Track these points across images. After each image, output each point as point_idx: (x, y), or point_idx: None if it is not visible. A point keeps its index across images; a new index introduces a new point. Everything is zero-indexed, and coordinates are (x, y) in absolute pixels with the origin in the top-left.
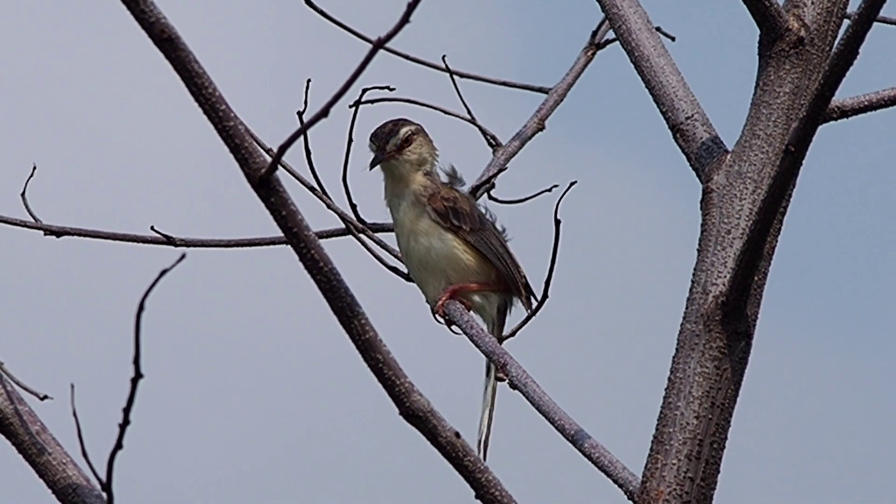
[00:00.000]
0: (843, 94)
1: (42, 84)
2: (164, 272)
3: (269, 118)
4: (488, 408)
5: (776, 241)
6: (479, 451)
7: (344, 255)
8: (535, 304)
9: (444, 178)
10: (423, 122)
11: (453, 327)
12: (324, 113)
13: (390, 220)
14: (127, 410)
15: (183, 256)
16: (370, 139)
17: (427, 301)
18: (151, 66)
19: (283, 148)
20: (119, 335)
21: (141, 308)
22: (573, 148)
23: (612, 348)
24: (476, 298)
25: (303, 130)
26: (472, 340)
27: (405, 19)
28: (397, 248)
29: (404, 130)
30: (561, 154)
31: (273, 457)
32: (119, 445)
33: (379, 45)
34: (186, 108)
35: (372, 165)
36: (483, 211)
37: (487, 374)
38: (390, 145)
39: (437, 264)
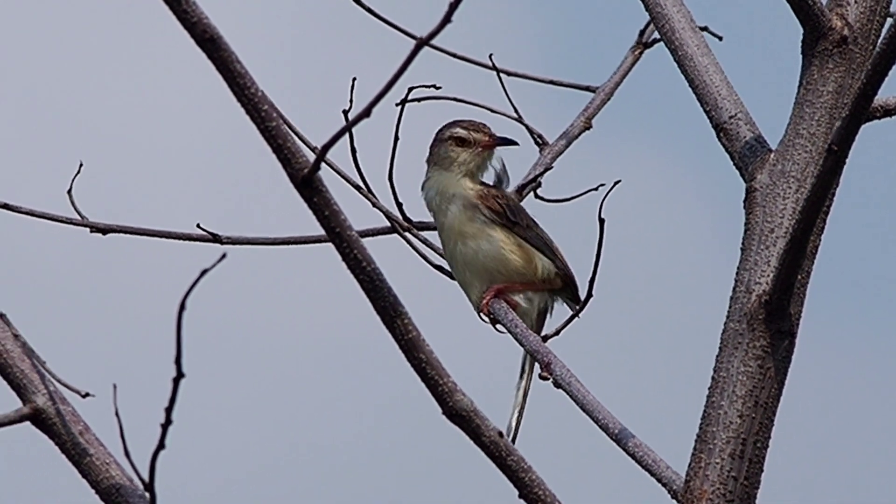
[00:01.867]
0: (887, 93)
1: (90, 84)
2: (204, 271)
3: (316, 116)
4: (518, 408)
5: (819, 240)
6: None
7: (389, 253)
8: (579, 302)
9: (491, 179)
10: None
11: (498, 326)
12: (366, 113)
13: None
14: (169, 410)
15: (224, 256)
16: (469, 127)
17: (471, 303)
18: (197, 65)
19: (326, 147)
20: (163, 333)
21: (182, 307)
22: (620, 147)
23: (655, 347)
24: (520, 299)
25: (346, 130)
26: (517, 339)
27: (448, 18)
28: (441, 247)
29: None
30: (607, 153)
31: (318, 455)
32: (161, 445)
33: (422, 43)
34: (231, 106)
35: (508, 142)
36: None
37: (521, 376)
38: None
39: (484, 266)
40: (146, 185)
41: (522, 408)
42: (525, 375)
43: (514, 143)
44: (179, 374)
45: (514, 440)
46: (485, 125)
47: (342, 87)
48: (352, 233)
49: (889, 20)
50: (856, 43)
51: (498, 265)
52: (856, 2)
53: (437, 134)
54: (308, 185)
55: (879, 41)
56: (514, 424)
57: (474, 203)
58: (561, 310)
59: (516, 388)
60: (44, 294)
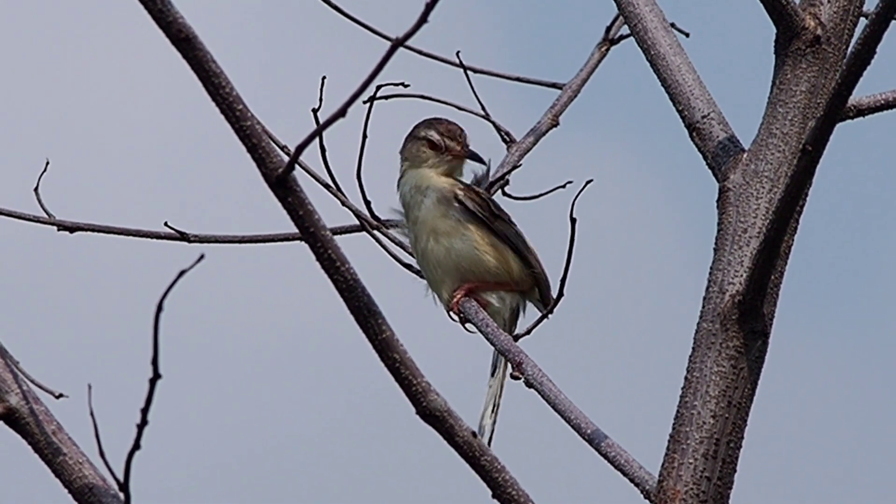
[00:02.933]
0: (860, 93)
1: (56, 81)
2: (182, 273)
3: (284, 114)
4: (492, 405)
5: (792, 241)
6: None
7: (358, 251)
8: (550, 302)
9: (469, 179)
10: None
11: (468, 325)
12: (341, 113)
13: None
14: (145, 410)
15: (202, 257)
16: (444, 133)
17: (441, 301)
18: (169, 64)
19: (301, 148)
20: (133, 331)
21: (159, 309)
22: (587, 144)
23: (628, 347)
24: (492, 298)
25: (320, 130)
26: (488, 338)
27: (423, 18)
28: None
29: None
30: (575, 150)
31: (289, 456)
32: (137, 445)
33: (398, 43)
34: (203, 106)
35: (477, 158)
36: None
37: (493, 374)
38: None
39: (456, 265)
40: (114, 183)
41: (497, 407)
42: (497, 374)
43: (482, 161)
44: (156, 375)
45: (489, 441)
46: (461, 133)
47: (313, 87)
48: (326, 233)
49: (862, 20)
50: (829, 43)
51: (470, 265)
52: (829, 1)
53: (414, 129)
54: (282, 185)
55: (854, 41)
56: (488, 424)
57: (448, 197)
58: (533, 309)
59: (489, 387)
60: (14, 293)
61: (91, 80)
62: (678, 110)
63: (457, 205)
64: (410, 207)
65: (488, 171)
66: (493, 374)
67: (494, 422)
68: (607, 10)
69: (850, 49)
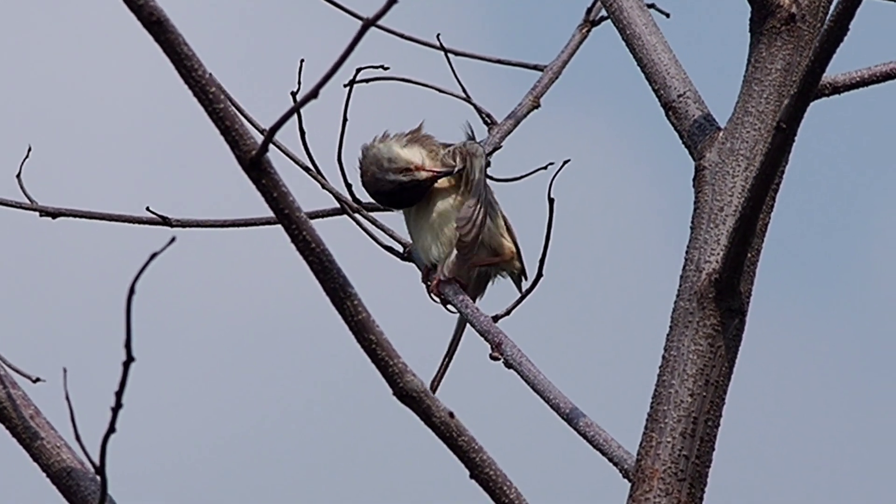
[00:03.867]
0: (835, 71)
1: (35, 66)
2: (154, 255)
3: (263, 99)
4: (445, 360)
5: (769, 218)
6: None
7: (339, 234)
8: (527, 280)
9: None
10: (417, 103)
11: (448, 307)
12: (314, 94)
13: None
14: (119, 394)
15: (173, 239)
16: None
17: (427, 262)
18: (144, 47)
19: (274, 129)
20: (114, 318)
21: (132, 292)
22: (568, 125)
23: (606, 327)
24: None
25: (294, 111)
26: (468, 319)
27: None
28: (392, 228)
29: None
30: (556, 132)
31: (266, 438)
32: (112, 429)
33: (370, 23)
34: (178, 89)
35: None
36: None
37: (454, 336)
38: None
39: (444, 232)
40: (95, 168)
41: (449, 359)
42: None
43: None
44: (129, 358)
45: (434, 389)
46: None
47: (289, 70)
48: (300, 214)
49: None
50: (804, 21)
51: (452, 221)
52: None
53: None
54: (256, 167)
55: (827, 18)
56: (439, 373)
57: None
58: (511, 290)
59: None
60: None
61: (71, 65)
62: (654, 89)
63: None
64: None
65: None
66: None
67: (443, 370)
68: None
69: (823, 26)
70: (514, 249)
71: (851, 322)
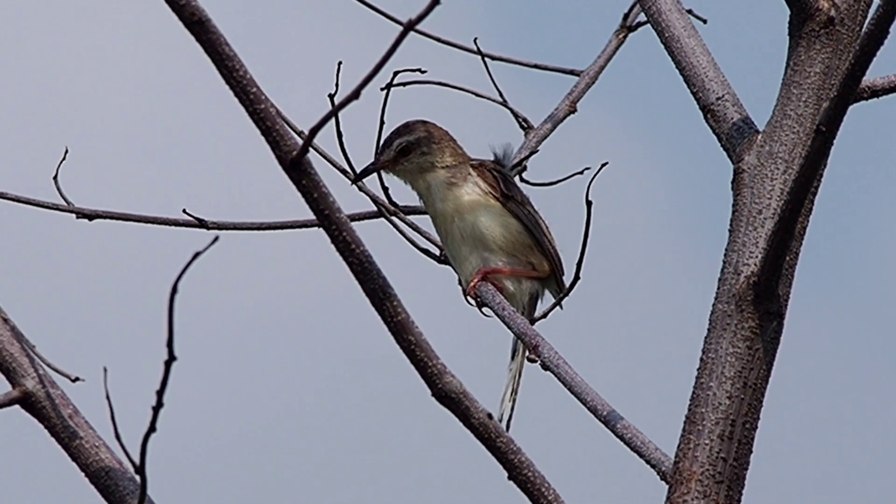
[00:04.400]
0: (874, 74)
1: (75, 69)
2: (196, 255)
3: (302, 102)
4: (511, 389)
5: (807, 221)
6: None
7: (376, 237)
8: (565, 289)
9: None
10: (454, 107)
11: (485, 309)
12: (355, 95)
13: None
14: (160, 393)
15: (216, 239)
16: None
17: (461, 281)
18: (182, 48)
19: (315, 130)
20: (151, 318)
21: (174, 291)
22: (605, 130)
23: (643, 329)
24: (508, 284)
25: (334, 113)
26: (504, 322)
27: (436, 1)
28: (428, 231)
29: (398, 142)
30: (592, 137)
31: (307, 439)
32: (153, 428)
33: (409, 26)
34: (219, 90)
35: (357, 177)
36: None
37: (513, 358)
38: (383, 157)
39: (481, 237)
40: (132, 170)
41: (516, 392)
42: (517, 359)
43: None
44: (171, 357)
45: (507, 425)
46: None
47: (327, 73)
48: (341, 215)
49: (876, 1)
50: (843, 24)
51: (497, 235)
52: None
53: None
54: (297, 168)
55: (867, 22)
56: (507, 408)
57: (457, 181)
58: (550, 294)
59: (508, 371)
60: (32, 279)
61: (108, 68)
62: (692, 92)
63: (473, 174)
64: (425, 204)
65: (508, 152)
66: (512, 359)
67: (513, 406)
68: None
69: (863, 30)
70: (549, 268)
71: (890, 323)
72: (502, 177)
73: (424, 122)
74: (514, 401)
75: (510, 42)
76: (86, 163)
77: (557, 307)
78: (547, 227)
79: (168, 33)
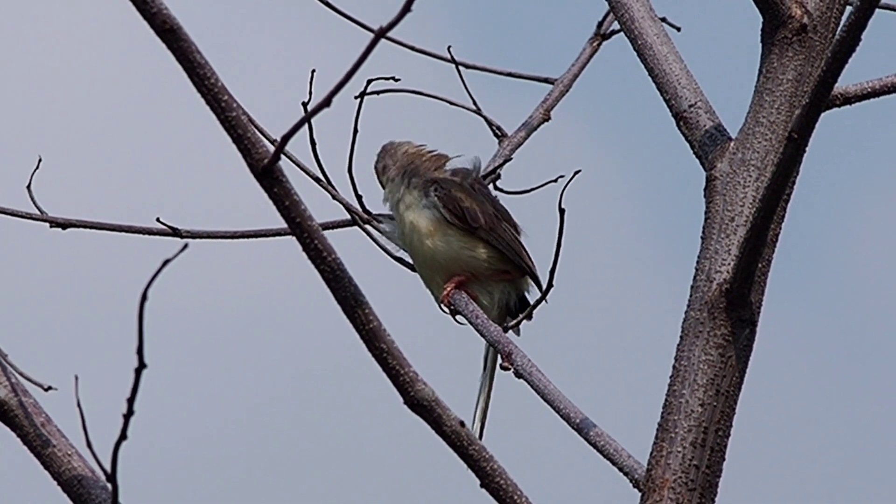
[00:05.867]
0: (846, 81)
1: (47, 76)
2: (166, 262)
3: (274, 111)
4: (483, 400)
5: (780, 229)
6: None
7: (349, 245)
8: (539, 293)
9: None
10: (427, 115)
11: (458, 317)
12: (326, 102)
13: (389, 210)
14: (131, 401)
15: (185, 246)
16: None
17: (433, 296)
18: (156, 55)
19: (286, 138)
20: (123, 326)
21: (144, 298)
22: (579, 138)
23: (616, 337)
24: (481, 295)
25: (306, 120)
26: (478, 330)
27: (406, 8)
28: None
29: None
30: (566, 144)
31: (276, 448)
32: (123, 436)
33: (381, 34)
34: (191, 98)
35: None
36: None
37: (485, 369)
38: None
39: (444, 266)
40: (105, 179)
41: (487, 403)
42: (487, 370)
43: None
44: (141, 365)
45: (480, 436)
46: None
47: (299, 80)
48: (312, 223)
49: (848, 8)
50: (815, 31)
51: (459, 264)
52: None
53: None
54: (268, 176)
55: (839, 29)
56: (478, 420)
57: (427, 191)
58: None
59: (480, 382)
60: (4, 288)
61: (80, 75)
62: (665, 99)
63: (434, 198)
64: (395, 207)
65: (478, 167)
66: (484, 369)
67: (484, 417)
68: (599, 4)
69: (835, 37)
70: (522, 272)
71: (861, 330)
72: (466, 208)
73: (384, 147)
74: (484, 413)
75: (484, 50)
76: (59, 171)
77: (530, 313)
78: (518, 242)
79: (140, 41)
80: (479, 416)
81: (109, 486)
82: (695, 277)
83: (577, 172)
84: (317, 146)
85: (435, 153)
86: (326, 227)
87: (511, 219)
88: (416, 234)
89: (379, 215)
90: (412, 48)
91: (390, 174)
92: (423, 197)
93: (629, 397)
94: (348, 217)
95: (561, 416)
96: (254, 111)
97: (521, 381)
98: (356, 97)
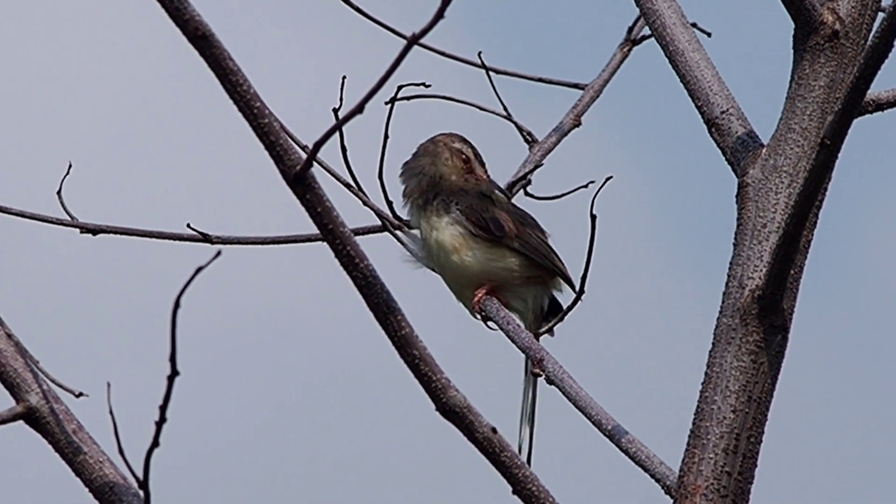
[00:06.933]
0: (879, 87)
1: (77, 83)
2: (199, 269)
3: (306, 117)
4: (528, 414)
5: (812, 235)
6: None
7: (381, 252)
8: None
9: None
10: (458, 121)
11: (490, 323)
12: (359, 109)
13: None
14: (163, 408)
15: (218, 254)
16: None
17: (464, 306)
18: (186, 62)
19: (319, 144)
20: (155, 333)
21: (177, 305)
22: (609, 144)
23: (648, 343)
24: (512, 299)
25: (338, 127)
26: (509, 336)
27: (440, 14)
28: None
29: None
30: (597, 150)
31: (308, 455)
32: (156, 443)
33: (413, 40)
34: (222, 105)
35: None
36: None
37: (526, 374)
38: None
39: (475, 280)
40: (136, 184)
41: (532, 420)
42: (528, 379)
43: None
44: (174, 372)
45: (529, 456)
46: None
47: (331, 87)
48: (345, 229)
49: (880, 14)
50: (847, 37)
51: (487, 276)
52: None
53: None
54: (301, 182)
55: (871, 35)
56: (525, 438)
57: (448, 206)
58: (553, 306)
59: (523, 388)
60: (36, 294)
61: (112, 82)
62: (697, 106)
63: (455, 212)
64: (419, 226)
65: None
66: (526, 374)
67: (531, 434)
68: (629, 10)
69: (867, 43)
70: (554, 270)
71: (864, 327)
72: (492, 218)
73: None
74: (531, 429)
75: (514, 56)
76: (90, 177)
77: (561, 320)
78: (547, 247)
79: (173, 47)
80: (526, 436)
81: (141, 493)
82: (727, 284)
83: (608, 178)
84: (347, 152)
85: (463, 165)
86: (357, 232)
87: (535, 222)
88: (443, 252)
89: (408, 222)
90: (443, 54)
91: (411, 192)
92: (445, 213)
93: (661, 404)
94: (379, 223)
95: (593, 423)
96: (284, 118)
97: (553, 387)
98: (387, 103)
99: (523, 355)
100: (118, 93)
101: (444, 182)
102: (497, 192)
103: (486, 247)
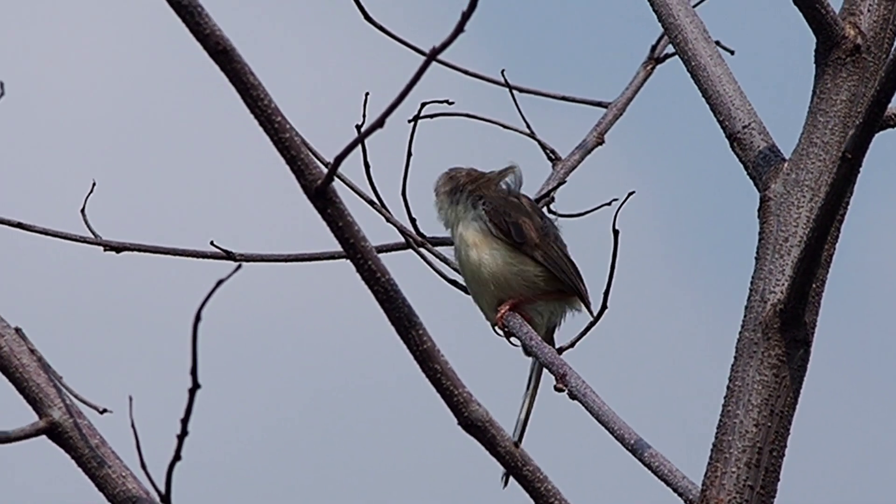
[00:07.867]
0: None
1: (100, 100)
2: (220, 282)
3: (328, 134)
4: (525, 411)
5: (834, 249)
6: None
7: (404, 269)
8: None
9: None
10: (481, 139)
11: (512, 339)
12: (379, 123)
13: (449, 234)
14: (185, 421)
15: (239, 267)
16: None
17: (483, 312)
18: (205, 79)
19: (340, 158)
20: (177, 349)
21: (198, 318)
22: (632, 162)
23: (670, 357)
24: (536, 315)
25: (359, 141)
26: (532, 352)
27: (459, 28)
28: (455, 261)
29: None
30: (620, 168)
31: (331, 469)
32: (178, 457)
33: (432, 56)
34: (243, 120)
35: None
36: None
37: (528, 387)
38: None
39: (487, 280)
40: (159, 202)
41: (530, 409)
42: (531, 388)
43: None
44: (195, 386)
45: (520, 438)
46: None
47: (353, 104)
48: (366, 244)
49: None
50: (869, 51)
51: (500, 281)
52: (869, 10)
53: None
54: (322, 197)
55: (893, 49)
56: (521, 422)
57: (475, 204)
58: (575, 321)
59: (523, 396)
60: (59, 311)
61: (135, 100)
62: (719, 120)
63: (481, 210)
64: (453, 225)
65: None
66: (527, 387)
67: (526, 421)
68: (652, 28)
69: (889, 57)
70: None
71: (886, 346)
72: (514, 223)
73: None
74: (526, 417)
75: (537, 73)
76: (113, 195)
77: (584, 336)
78: (568, 261)
79: (191, 64)
80: (521, 420)
81: None
82: (749, 298)
83: (630, 194)
84: (370, 168)
85: (486, 177)
86: (381, 249)
87: (560, 237)
88: (464, 246)
89: (433, 238)
90: (465, 72)
91: (440, 195)
92: (472, 209)
93: (683, 418)
94: (402, 241)
95: (615, 437)
96: (306, 133)
97: (576, 402)
98: (410, 121)
99: (530, 366)
100: (140, 112)
101: (470, 186)
102: (525, 198)
103: (506, 250)
